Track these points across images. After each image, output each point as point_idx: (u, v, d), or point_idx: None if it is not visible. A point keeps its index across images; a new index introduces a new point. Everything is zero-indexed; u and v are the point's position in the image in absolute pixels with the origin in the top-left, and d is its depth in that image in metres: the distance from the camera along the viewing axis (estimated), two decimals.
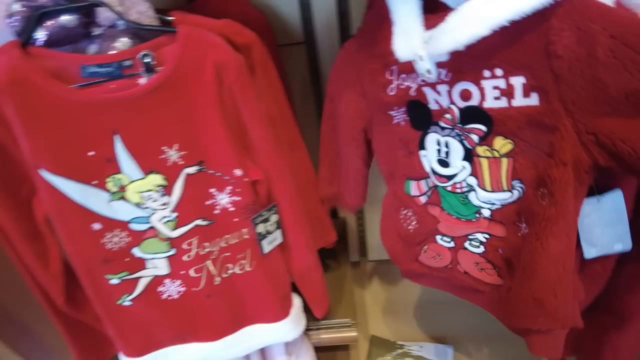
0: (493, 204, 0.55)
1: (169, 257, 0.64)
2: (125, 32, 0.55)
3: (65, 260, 0.62)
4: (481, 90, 0.48)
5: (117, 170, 0.57)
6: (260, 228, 0.66)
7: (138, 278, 0.64)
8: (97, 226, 0.59)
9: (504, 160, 0.51)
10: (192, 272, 0.66)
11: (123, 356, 0.71)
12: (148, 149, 0.56)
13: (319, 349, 0.93)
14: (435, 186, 0.61)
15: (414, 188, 0.64)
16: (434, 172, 0.59)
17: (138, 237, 0.62)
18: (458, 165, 0.56)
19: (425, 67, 0.50)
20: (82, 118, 0.53)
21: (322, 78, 0.90)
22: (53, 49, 0.53)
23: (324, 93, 0.93)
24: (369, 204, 1.10)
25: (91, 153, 0.55)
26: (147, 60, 0.53)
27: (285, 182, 0.65)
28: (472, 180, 0.56)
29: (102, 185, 0.57)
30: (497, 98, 0.48)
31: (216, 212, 0.63)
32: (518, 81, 0.45)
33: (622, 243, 0.52)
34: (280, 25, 0.83)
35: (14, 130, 0.52)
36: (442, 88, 0.52)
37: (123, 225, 0.60)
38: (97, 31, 0.55)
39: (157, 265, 0.64)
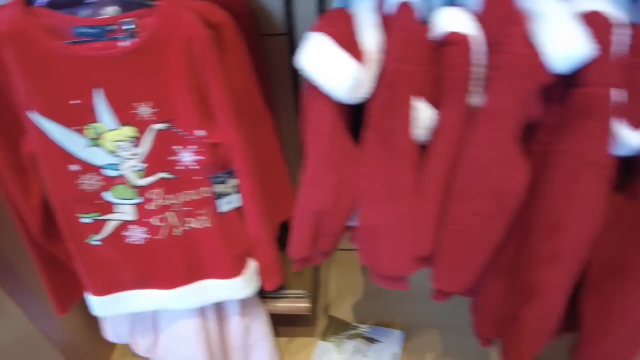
0: None
1: (136, 204, 0.73)
2: (115, 2, 0.64)
3: (44, 197, 0.71)
4: None
5: (95, 120, 0.66)
6: (218, 188, 0.74)
7: (107, 220, 0.73)
8: (74, 167, 0.68)
9: None
10: (155, 221, 0.74)
11: (89, 294, 0.80)
12: (124, 103, 0.65)
13: (278, 319, 1.00)
14: None
15: None
16: None
17: (110, 182, 0.71)
18: None
19: None
20: (70, 70, 0.62)
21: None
22: (52, 10, 0.63)
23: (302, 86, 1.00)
24: None
25: (75, 101, 0.64)
26: (128, 26, 0.62)
27: (241, 151, 0.72)
28: None
29: (81, 131, 0.66)
30: None
31: (179, 167, 0.71)
32: None
33: None
34: (264, 14, 0.91)
35: (11, 75, 0.62)
36: None
37: (97, 169, 0.69)
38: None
39: (125, 210, 0.73)
